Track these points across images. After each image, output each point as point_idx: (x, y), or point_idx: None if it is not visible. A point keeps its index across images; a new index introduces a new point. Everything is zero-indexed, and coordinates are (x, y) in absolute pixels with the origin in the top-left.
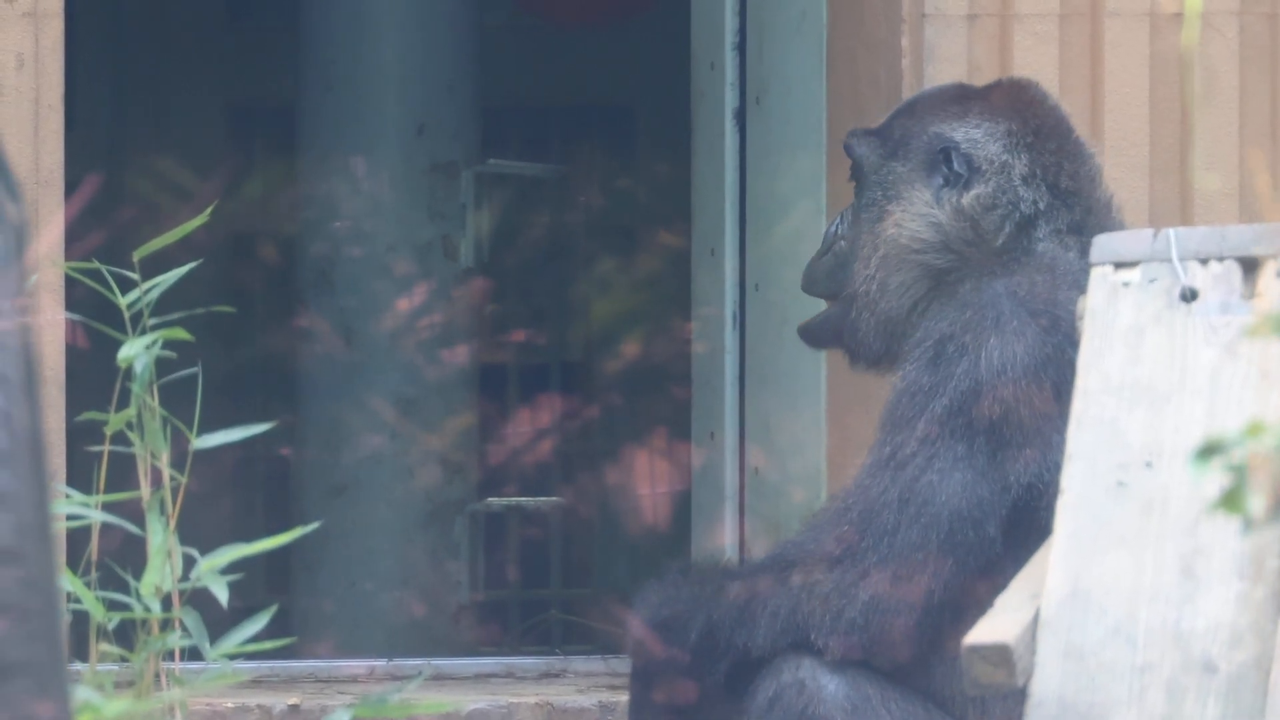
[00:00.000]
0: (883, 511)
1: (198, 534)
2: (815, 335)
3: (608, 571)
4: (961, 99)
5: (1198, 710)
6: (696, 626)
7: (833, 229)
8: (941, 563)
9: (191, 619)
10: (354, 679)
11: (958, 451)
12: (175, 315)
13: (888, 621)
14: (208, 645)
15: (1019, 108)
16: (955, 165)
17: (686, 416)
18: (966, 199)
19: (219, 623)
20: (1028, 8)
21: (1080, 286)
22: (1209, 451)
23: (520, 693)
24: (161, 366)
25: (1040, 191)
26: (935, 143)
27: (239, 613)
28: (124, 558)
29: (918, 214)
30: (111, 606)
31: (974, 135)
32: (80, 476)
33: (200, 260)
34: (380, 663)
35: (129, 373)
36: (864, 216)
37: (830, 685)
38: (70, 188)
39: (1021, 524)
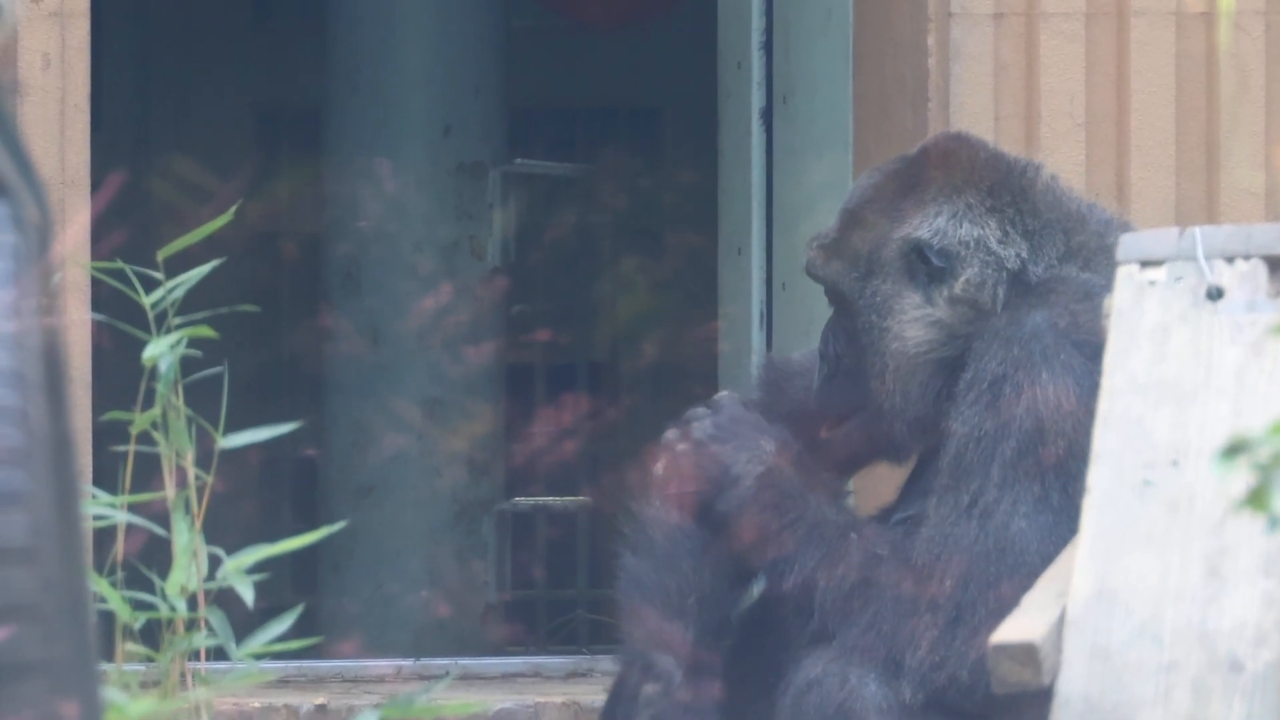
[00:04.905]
0: (981, 562)
1: (223, 534)
2: (848, 448)
3: None
4: (909, 190)
5: (1223, 709)
6: (797, 571)
7: (829, 349)
8: None
9: (217, 619)
10: (381, 679)
11: (1035, 493)
12: (200, 314)
13: None
14: (234, 645)
15: (967, 176)
16: (934, 261)
17: None
18: (958, 288)
19: (245, 623)
20: (1054, 7)
21: None
22: (1234, 450)
23: (547, 692)
24: (187, 366)
25: (1018, 245)
26: (905, 246)
27: (265, 613)
28: (150, 558)
29: (914, 319)
30: (137, 606)
31: (939, 225)
32: (106, 476)
33: (224, 259)
34: (407, 663)
35: (154, 372)
36: (864, 340)
37: (872, 685)
38: (96, 188)
39: None
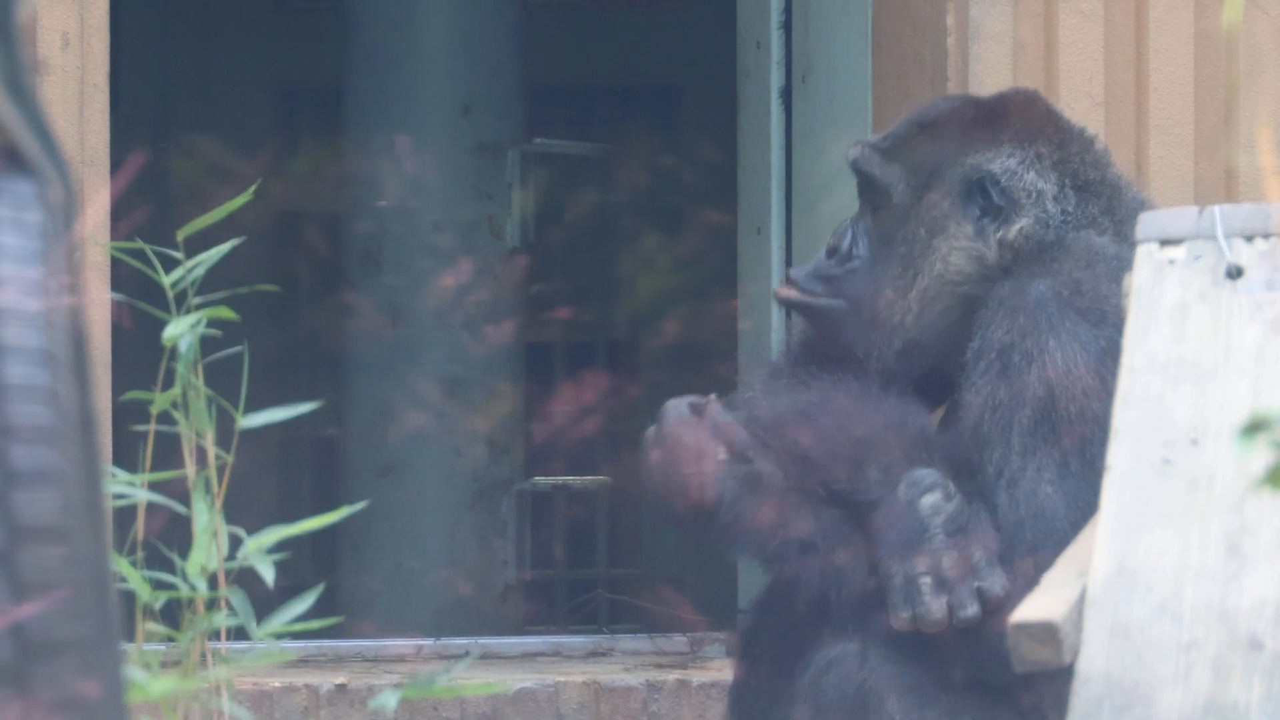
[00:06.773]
0: (1018, 529)
1: (244, 514)
2: (817, 318)
3: (655, 550)
4: (987, 123)
5: (1243, 688)
6: (805, 589)
7: (845, 243)
8: None
9: (238, 598)
10: (401, 658)
11: (1056, 459)
12: (220, 294)
13: None
14: (254, 625)
15: (1041, 126)
16: (995, 198)
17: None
18: (1012, 233)
19: (265, 602)
20: None
21: (1118, 277)
22: (1254, 429)
23: (567, 672)
24: (207, 345)
25: (1068, 200)
26: (972, 174)
27: (285, 592)
28: (170, 537)
29: (961, 248)
30: (158, 586)
31: (1010, 165)
32: (126, 456)
33: (243, 238)
34: (427, 642)
35: (174, 352)
36: (902, 249)
37: (891, 664)
38: (115, 167)
39: None
